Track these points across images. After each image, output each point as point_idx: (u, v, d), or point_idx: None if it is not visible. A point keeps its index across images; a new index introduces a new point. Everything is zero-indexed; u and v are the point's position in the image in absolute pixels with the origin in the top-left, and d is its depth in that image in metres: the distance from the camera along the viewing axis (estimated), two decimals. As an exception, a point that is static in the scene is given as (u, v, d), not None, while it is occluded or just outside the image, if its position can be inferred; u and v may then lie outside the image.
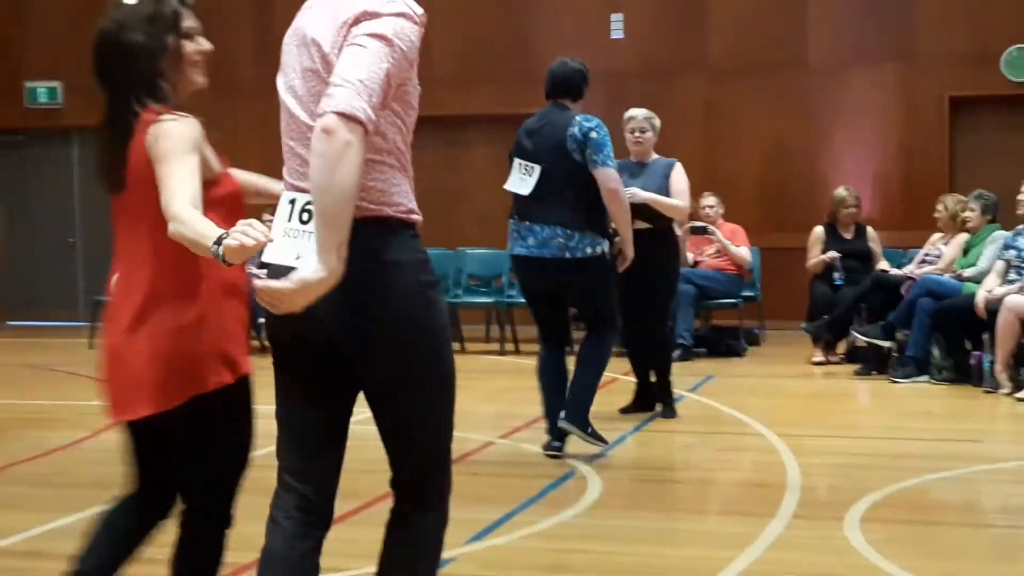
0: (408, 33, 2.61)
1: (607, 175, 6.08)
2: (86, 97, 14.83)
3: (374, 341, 2.69)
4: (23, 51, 14.29)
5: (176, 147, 2.83)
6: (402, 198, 2.70)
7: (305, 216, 2.60)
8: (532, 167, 6.17)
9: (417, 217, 2.75)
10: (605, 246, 6.19)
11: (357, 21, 2.60)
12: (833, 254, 10.03)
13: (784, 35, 12.40)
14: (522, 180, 6.19)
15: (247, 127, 13.84)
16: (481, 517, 4.89)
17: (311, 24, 2.71)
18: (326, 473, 2.85)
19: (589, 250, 6.07)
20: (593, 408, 6.24)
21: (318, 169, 2.47)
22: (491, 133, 12.86)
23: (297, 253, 2.57)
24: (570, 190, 6.08)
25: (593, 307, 6.31)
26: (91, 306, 12.51)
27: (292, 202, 2.65)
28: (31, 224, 14.68)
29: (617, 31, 12.77)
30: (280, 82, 2.79)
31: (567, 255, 6.06)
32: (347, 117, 2.45)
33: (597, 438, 6.23)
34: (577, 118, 6.19)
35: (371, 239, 2.62)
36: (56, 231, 14.60)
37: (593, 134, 6.09)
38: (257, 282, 2.54)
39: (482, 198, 13.04)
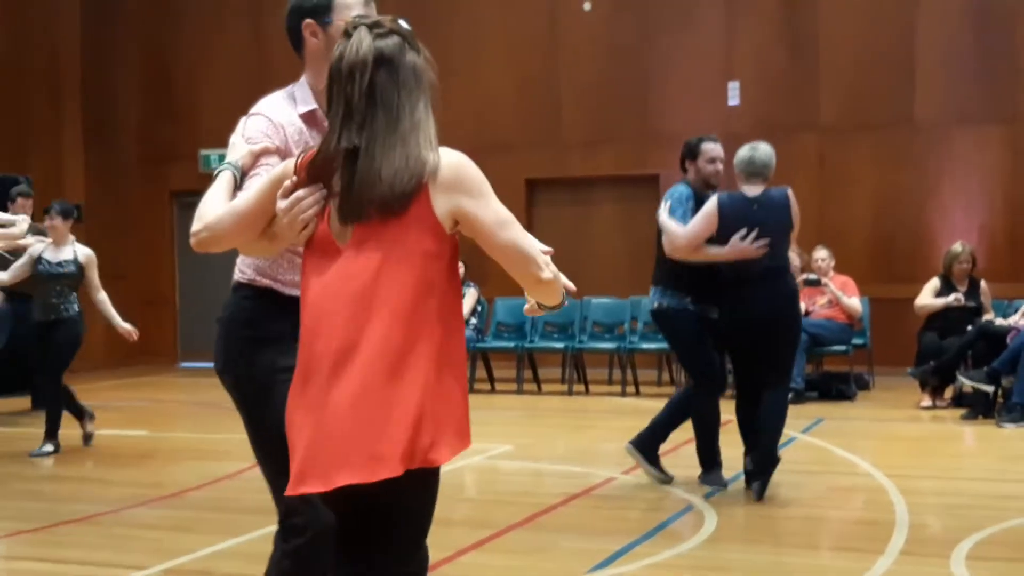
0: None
1: (664, 231, 6.27)
2: (252, 163, 15.02)
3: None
4: (199, 121, 14.85)
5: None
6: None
7: None
8: None
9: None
10: (672, 302, 6.27)
11: None
12: (955, 297, 9.75)
13: (892, 94, 12.21)
14: None
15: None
16: (603, 548, 4.87)
17: None
18: None
19: (663, 303, 6.33)
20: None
21: None
22: (615, 192, 12.92)
23: None
24: (659, 253, 6.40)
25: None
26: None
27: None
28: (204, 275, 15.18)
29: (734, 98, 12.73)
30: None
31: (651, 304, 6.46)
32: None
33: (659, 471, 6.39)
34: (665, 195, 6.46)
35: None
36: (226, 281, 15.02)
37: (666, 203, 6.34)
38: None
39: (606, 251, 13.09)
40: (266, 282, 2.93)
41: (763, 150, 6.23)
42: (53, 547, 5.23)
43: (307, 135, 2.96)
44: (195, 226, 2.68)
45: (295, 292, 2.69)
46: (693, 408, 6.34)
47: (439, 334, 2.38)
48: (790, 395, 9.47)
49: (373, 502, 2.42)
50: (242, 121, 2.94)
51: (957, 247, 10.13)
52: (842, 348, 10.41)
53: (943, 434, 8.47)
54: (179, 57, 15.05)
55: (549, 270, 2.45)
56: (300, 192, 2.44)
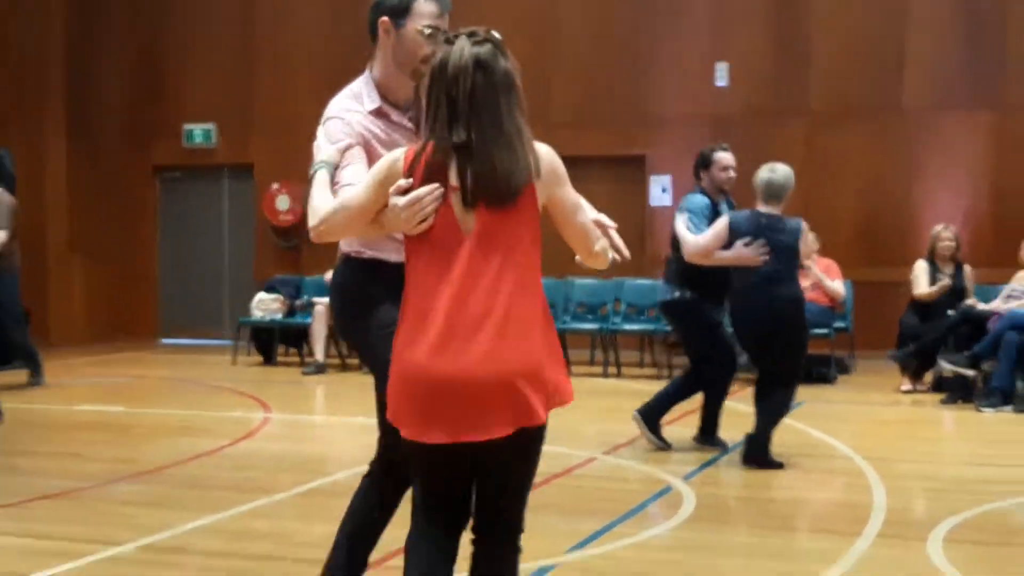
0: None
1: (682, 241, 6.67)
2: (236, 138, 15.37)
3: None
4: (183, 97, 14.75)
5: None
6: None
7: None
8: None
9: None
10: (690, 295, 6.70)
11: None
12: (941, 286, 9.75)
13: (880, 80, 12.21)
14: None
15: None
16: (583, 528, 4.88)
17: None
18: None
19: (677, 294, 6.76)
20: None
21: None
22: (603, 172, 12.89)
23: None
24: (674, 252, 6.79)
25: (683, 343, 7.34)
26: (235, 327, 12.83)
27: None
28: (186, 252, 15.12)
29: (722, 79, 12.71)
30: None
31: (661, 297, 7.04)
32: None
33: (659, 440, 6.82)
34: (683, 200, 6.89)
35: None
36: (207, 259, 15.00)
37: (685, 215, 6.74)
38: None
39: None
40: (370, 254, 3.26)
41: (781, 172, 6.48)
42: (29, 521, 5.21)
43: (376, 127, 3.23)
44: (313, 222, 2.98)
45: (392, 260, 3.14)
46: (707, 377, 6.79)
47: (543, 303, 2.81)
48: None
49: (492, 462, 2.79)
50: (320, 129, 3.22)
51: (937, 227, 10.15)
52: (824, 331, 10.42)
53: (923, 418, 8.51)
54: (163, 32, 14.92)
55: (600, 244, 2.94)
56: (420, 191, 2.72)
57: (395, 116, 3.27)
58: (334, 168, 3.12)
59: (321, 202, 2.99)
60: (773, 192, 6.41)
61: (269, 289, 12.58)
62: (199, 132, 14.68)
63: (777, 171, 6.45)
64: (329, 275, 11.06)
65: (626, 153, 13.02)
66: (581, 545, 4.63)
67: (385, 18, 3.21)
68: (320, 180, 3.08)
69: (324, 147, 3.17)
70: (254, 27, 14.43)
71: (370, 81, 3.29)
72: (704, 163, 6.87)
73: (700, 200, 6.78)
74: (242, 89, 14.48)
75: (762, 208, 6.44)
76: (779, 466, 6.34)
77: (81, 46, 14.67)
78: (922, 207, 12.11)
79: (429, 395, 2.70)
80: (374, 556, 4.55)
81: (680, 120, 12.60)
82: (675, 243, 6.81)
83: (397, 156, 2.80)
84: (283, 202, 14.17)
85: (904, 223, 12.03)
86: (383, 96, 3.28)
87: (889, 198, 12.18)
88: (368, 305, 3.23)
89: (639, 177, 13.04)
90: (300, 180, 14.01)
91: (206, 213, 15.00)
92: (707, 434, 6.94)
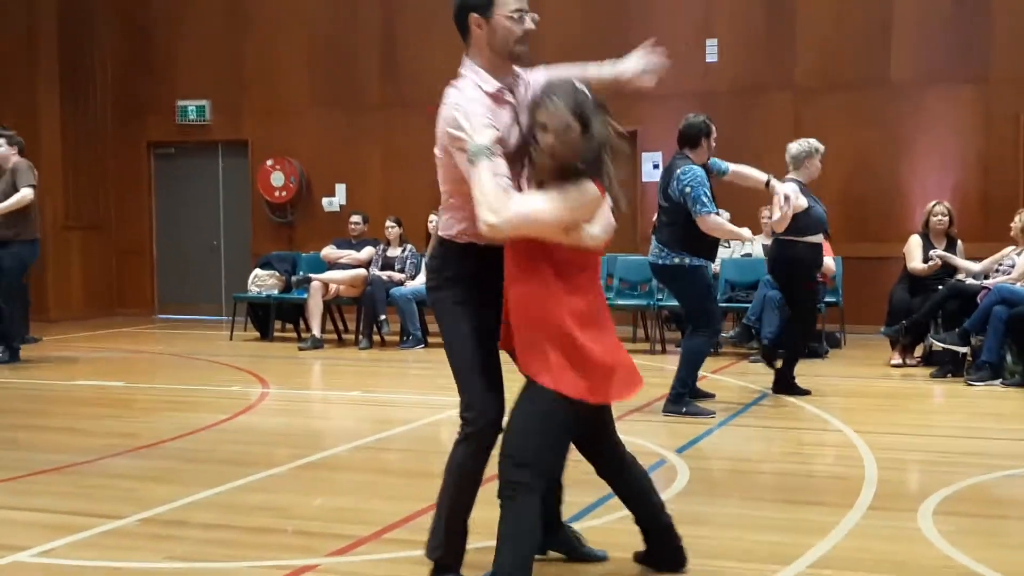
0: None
1: (702, 222, 6.93)
2: (230, 114, 15.29)
3: None
4: (177, 73, 14.69)
5: None
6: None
7: None
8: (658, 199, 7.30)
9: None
10: (691, 260, 7.03)
11: None
12: (932, 263, 9.74)
13: (867, 55, 12.19)
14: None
15: (371, 141, 14.07)
16: (577, 500, 4.87)
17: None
18: None
19: (677, 260, 7.05)
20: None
21: None
22: (593, 148, 12.85)
23: None
24: (673, 220, 7.05)
25: (682, 305, 7.68)
26: (231, 302, 12.82)
27: None
28: (181, 228, 15.08)
29: (712, 55, 12.68)
30: None
31: (660, 261, 7.17)
32: None
33: (704, 411, 7.17)
34: (678, 172, 7.00)
35: None
36: (202, 235, 14.97)
37: (688, 189, 6.93)
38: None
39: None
40: (466, 238, 3.59)
41: (796, 143, 8.14)
42: (29, 496, 5.21)
43: (495, 111, 3.51)
44: (491, 218, 3.27)
45: (480, 243, 3.54)
46: (694, 346, 7.19)
47: None
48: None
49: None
50: (455, 113, 3.43)
51: (933, 203, 10.16)
52: (815, 306, 10.42)
53: (913, 392, 8.54)
54: (156, 7, 14.83)
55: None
56: (611, 225, 3.52)
57: (506, 96, 3.59)
58: (491, 153, 3.34)
59: (498, 200, 3.27)
60: (790, 160, 8.02)
61: (265, 265, 12.57)
62: (193, 109, 14.62)
63: (795, 143, 8.08)
64: (325, 250, 11.13)
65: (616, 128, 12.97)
66: (576, 518, 4.64)
67: (475, 14, 3.56)
68: (486, 169, 3.30)
69: (477, 131, 3.36)
70: (246, 1, 14.34)
71: (478, 68, 3.58)
72: (707, 132, 7.15)
73: (699, 172, 7.01)
74: (235, 66, 14.42)
75: (791, 175, 7.85)
76: (806, 392, 7.87)
77: (74, 23, 14.58)
78: (910, 182, 12.11)
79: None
80: (371, 529, 4.57)
81: (671, 96, 12.55)
82: (672, 211, 7.06)
83: (597, 193, 3.43)
84: (278, 179, 14.14)
85: (892, 198, 12.04)
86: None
87: (877, 173, 12.18)
88: (456, 282, 3.65)
89: (630, 153, 13.00)
90: (293, 156, 14.04)
91: (201, 189, 14.97)
92: (693, 399, 7.35)
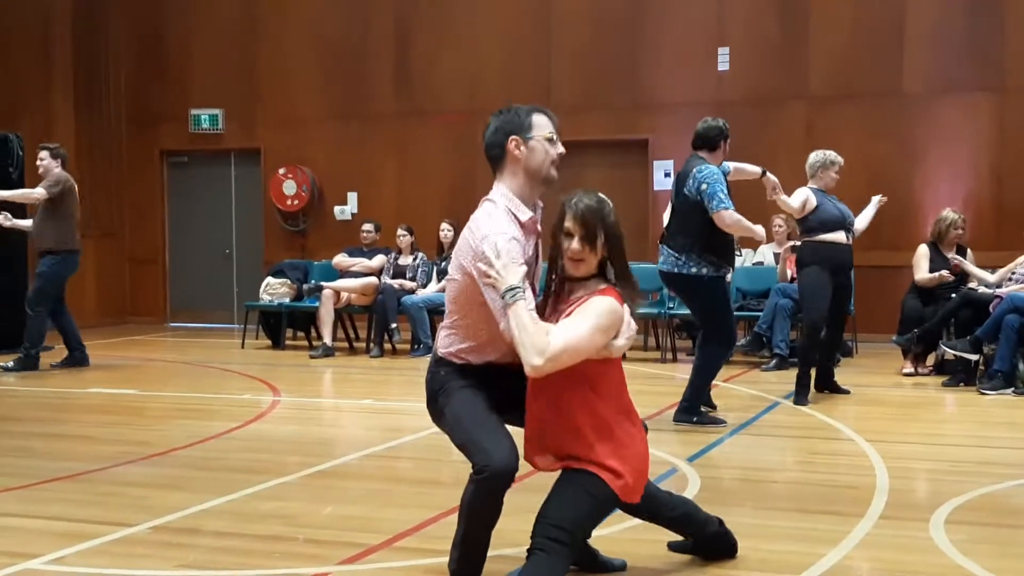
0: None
1: (719, 218, 6.87)
2: (243, 123, 15.30)
3: None
4: (190, 82, 14.75)
5: None
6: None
7: None
8: (671, 204, 7.24)
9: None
10: (709, 271, 6.96)
11: None
12: (940, 274, 9.70)
13: (881, 64, 12.17)
14: (667, 214, 7.38)
15: (383, 149, 14.07)
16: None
17: None
18: None
19: (695, 270, 6.96)
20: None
21: None
22: (604, 156, 12.87)
23: None
24: (688, 223, 6.96)
25: (696, 316, 7.41)
26: (243, 310, 12.84)
27: None
28: (194, 236, 15.12)
29: (723, 63, 12.67)
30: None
31: (676, 270, 7.03)
32: None
33: (712, 421, 7.12)
34: (694, 170, 6.96)
35: None
36: (215, 243, 15.01)
37: (704, 186, 6.88)
38: None
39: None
40: (459, 361, 3.70)
41: (811, 155, 8.42)
42: (41, 503, 5.22)
43: (524, 243, 3.59)
44: (537, 360, 3.37)
45: (475, 363, 3.69)
46: (709, 356, 7.13)
47: None
48: (774, 361, 9.69)
49: None
50: (486, 246, 3.49)
51: (951, 214, 10.02)
52: (826, 315, 10.38)
53: (925, 401, 8.50)
54: (170, 17, 14.90)
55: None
56: (633, 331, 3.67)
57: (538, 226, 3.72)
58: (523, 292, 3.43)
59: (539, 338, 3.38)
60: (807, 169, 8.34)
61: (277, 273, 12.59)
62: (206, 117, 14.67)
63: (812, 154, 8.42)
64: (336, 258, 11.28)
65: (629, 137, 13.00)
66: (587, 526, 4.62)
67: (515, 137, 3.64)
68: (523, 308, 3.40)
69: (508, 268, 3.44)
70: (259, 11, 14.40)
71: (511, 196, 3.65)
72: (726, 135, 7.19)
73: (716, 170, 7.01)
74: (248, 75, 14.47)
75: (809, 184, 8.24)
76: (846, 391, 8.40)
77: (89, 32, 14.65)
78: (923, 191, 12.08)
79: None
80: (381, 538, 4.56)
81: (683, 105, 12.57)
82: (686, 213, 7.00)
83: (620, 309, 3.57)
84: (290, 187, 14.18)
85: (905, 207, 12.00)
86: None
87: (890, 182, 12.11)
88: (458, 376, 3.69)
89: (642, 161, 13.01)
90: (305, 165, 14.07)
91: (214, 198, 15.01)
92: (692, 412, 7.21)
